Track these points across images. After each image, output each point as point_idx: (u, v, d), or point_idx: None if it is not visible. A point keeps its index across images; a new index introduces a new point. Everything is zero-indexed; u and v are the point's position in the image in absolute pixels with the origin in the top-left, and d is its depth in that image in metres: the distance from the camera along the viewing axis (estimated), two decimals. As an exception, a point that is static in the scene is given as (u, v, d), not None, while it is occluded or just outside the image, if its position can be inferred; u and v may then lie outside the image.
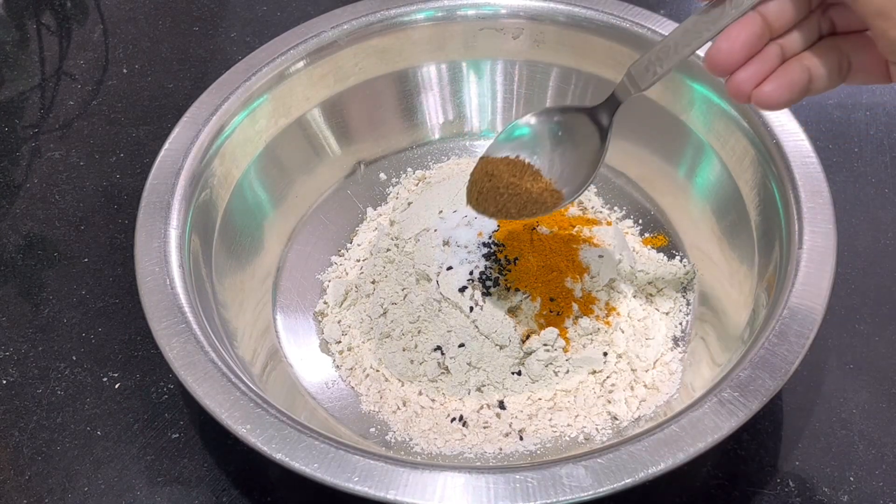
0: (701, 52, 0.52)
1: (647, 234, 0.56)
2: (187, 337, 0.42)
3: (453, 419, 0.47)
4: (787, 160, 0.47)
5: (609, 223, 0.53)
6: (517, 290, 0.48)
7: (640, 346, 0.49)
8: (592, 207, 0.56)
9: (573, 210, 0.52)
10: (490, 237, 0.50)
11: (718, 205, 0.53)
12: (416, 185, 0.59)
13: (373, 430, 0.48)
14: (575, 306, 0.48)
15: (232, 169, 0.53)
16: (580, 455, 0.37)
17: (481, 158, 0.45)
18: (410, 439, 0.47)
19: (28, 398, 0.50)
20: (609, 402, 0.47)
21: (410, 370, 0.49)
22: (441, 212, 0.52)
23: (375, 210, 0.59)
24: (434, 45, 0.60)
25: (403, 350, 0.49)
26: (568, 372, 0.48)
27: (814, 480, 0.45)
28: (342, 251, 0.57)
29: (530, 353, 0.48)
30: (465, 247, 0.49)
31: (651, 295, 0.52)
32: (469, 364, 0.48)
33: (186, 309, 0.43)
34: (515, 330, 0.48)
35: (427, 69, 0.61)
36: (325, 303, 0.54)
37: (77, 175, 0.63)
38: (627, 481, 0.36)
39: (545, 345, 0.48)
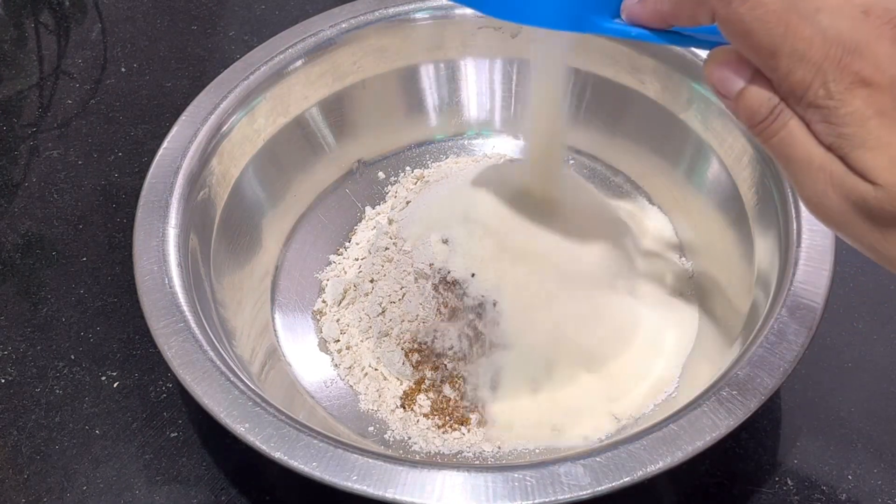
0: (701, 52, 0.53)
1: (645, 233, 0.56)
2: (186, 336, 0.42)
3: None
4: (785, 159, 0.47)
5: (607, 222, 0.53)
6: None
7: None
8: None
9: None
10: (489, 236, 0.50)
11: (717, 203, 0.53)
12: (415, 183, 0.59)
13: (371, 428, 0.48)
14: (573, 305, 0.48)
15: (230, 168, 0.53)
16: (579, 454, 0.37)
17: None
18: (409, 438, 0.47)
19: (26, 397, 0.50)
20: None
21: (409, 369, 0.49)
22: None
23: (374, 209, 0.59)
24: (432, 44, 0.60)
25: (402, 349, 0.49)
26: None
27: (812, 479, 0.45)
28: (341, 250, 0.57)
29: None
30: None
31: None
32: (468, 363, 0.48)
33: (185, 308, 0.43)
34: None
35: (425, 68, 0.61)
36: (324, 301, 0.54)
37: (75, 174, 0.63)
38: (626, 480, 0.36)
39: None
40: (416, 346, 0.49)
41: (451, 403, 0.48)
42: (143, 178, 0.49)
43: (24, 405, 0.50)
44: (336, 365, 0.51)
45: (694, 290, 0.52)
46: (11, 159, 0.64)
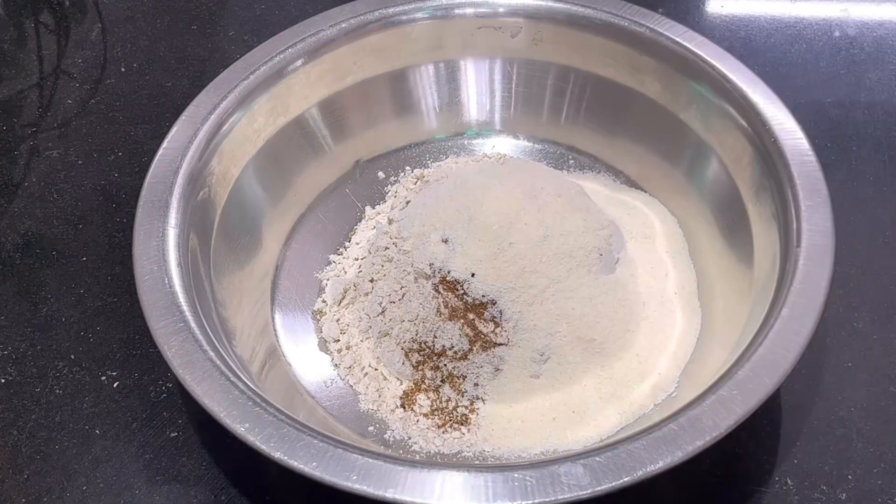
0: (703, 55, 0.53)
1: (645, 233, 0.56)
2: (186, 336, 0.42)
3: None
4: (785, 159, 0.47)
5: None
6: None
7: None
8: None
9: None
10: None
11: (717, 203, 0.53)
12: (415, 183, 0.59)
13: (371, 428, 0.48)
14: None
15: (230, 168, 0.53)
16: (579, 453, 0.37)
17: None
18: (409, 438, 0.47)
19: (26, 397, 0.50)
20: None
21: (409, 369, 0.49)
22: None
23: (374, 209, 0.59)
24: (432, 44, 0.60)
25: (402, 349, 0.49)
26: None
27: (812, 479, 0.45)
28: (340, 250, 0.57)
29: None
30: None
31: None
32: (468, 363, 0.48)
33: (185, 308, 0.43)
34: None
35: (425, 68, 0.61)
36: (324, 301, 0.54)
37: (75, 174, 0.63)
38: (626, 480, 0.36)
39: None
40: (416, 345, 0.49)
41: (451, 403, 0.48)
42: (143, 177, 0.49)
43: (24, 405, 0.50)
44: (336, 365, 0.51)
45: (694, 289, 0.52)
46: (11, 159, 0.64)
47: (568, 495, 0.35)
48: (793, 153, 0.48)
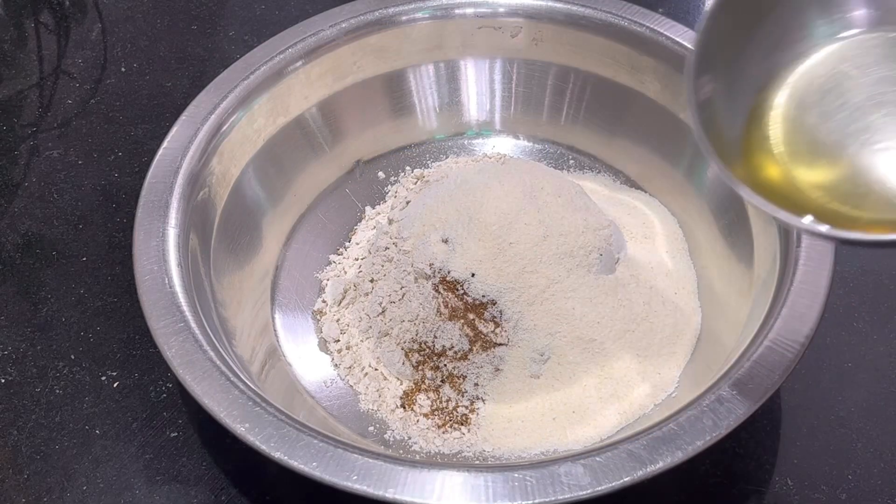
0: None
1: (645, 233, 0.56)
2: (186, 336, 0.42)
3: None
4: (785, 159, 0.47)
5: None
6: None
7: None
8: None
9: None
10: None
11: (717, 203, 0.53)
12: (415, 183, 0.59)
13: (371, 428, 0.48)
14: (573, 305, 0.48)
15: (230, 168, 0.53)
16: (579, 453, 0.37)
17: None
18: (409, 438, 0.47)
19: (27, 397, 0.50)
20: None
21: (409, 369, 0.49)
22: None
23: (374, 209, 0.59)
24: (432, 44, 0.60)
25: (402, 349, 0.49)
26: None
27: (812, 479, 0.45)
28: (341, 250, 0.57)
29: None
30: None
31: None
32: (468, 363, 0.48)
33: (185, 308, 0.43)
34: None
35: (425, 68, 0.61)
36: (324, 301, 0.54)
37: (75, 174, 0.63)
38: (626, 480, 0.36)
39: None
40: (416, 345, 0.49)
41: (451, 403, 0.48)
42: (143, 178, 0.49)
43: (24, 405, 0.50)
44: (336, 365, 0.51)
45: (694, 289, 0.52)
46: (11, 159, 0.64)
47: (568, 495, 0.35)
48: (793, 153, 0.47)
